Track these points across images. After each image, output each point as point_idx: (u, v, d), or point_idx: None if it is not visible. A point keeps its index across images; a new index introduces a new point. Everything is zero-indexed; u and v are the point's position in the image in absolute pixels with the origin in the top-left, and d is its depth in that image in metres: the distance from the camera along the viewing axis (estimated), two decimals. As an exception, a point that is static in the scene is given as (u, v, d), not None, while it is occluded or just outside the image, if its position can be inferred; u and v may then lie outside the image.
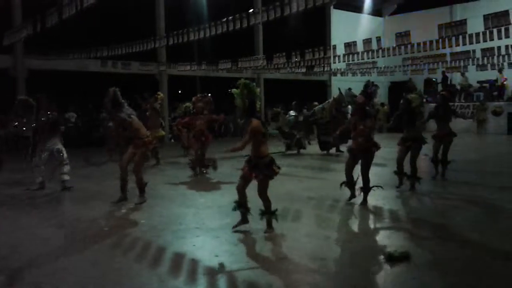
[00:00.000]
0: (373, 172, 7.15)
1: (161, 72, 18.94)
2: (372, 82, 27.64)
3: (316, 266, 4.33)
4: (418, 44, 11.67)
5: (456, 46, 10.77)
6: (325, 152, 13.48)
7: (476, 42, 10.31)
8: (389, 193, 7.56)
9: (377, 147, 6.80)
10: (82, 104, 18.82)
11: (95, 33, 16.11)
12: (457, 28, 8.88)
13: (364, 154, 6.78)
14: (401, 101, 8.09)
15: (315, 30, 24.62)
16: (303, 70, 19.03)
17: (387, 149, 7.87)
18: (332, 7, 25.98)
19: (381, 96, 25.27)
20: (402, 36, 9.81)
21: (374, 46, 12.25)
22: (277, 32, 22.04)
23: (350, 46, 12.03)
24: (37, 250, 4.96)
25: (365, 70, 18.37)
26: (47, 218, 6.45)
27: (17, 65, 16.17)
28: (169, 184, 8.87)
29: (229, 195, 7.67)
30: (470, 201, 7.17)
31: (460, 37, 9.81)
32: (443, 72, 21.62)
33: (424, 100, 18.21)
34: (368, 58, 14.32)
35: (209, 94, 10.48)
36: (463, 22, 8.86)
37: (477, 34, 10.04)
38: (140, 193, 7.17)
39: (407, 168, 7.98)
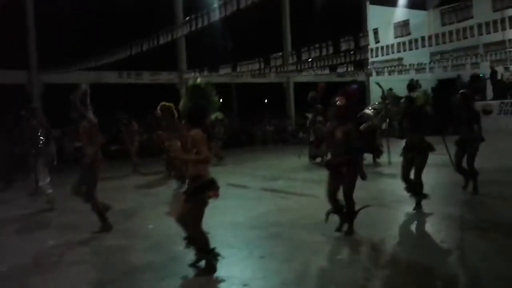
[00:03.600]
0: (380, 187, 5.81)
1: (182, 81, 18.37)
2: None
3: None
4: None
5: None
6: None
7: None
8: (383, 216, 6.27)
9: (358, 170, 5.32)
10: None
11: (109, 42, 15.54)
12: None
13: (344, 171, 5.28)
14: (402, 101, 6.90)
15: (350, 28, 23.05)
16: (337, 70, 17.20)
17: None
18: (368, 2, 24.38)
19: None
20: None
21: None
22: (307, 33, 20.75)
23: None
24: None
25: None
26: None
27: (33, 80, 16.12)
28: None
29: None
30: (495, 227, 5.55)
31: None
32: (491, 67, 19.40)
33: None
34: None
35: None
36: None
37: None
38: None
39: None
